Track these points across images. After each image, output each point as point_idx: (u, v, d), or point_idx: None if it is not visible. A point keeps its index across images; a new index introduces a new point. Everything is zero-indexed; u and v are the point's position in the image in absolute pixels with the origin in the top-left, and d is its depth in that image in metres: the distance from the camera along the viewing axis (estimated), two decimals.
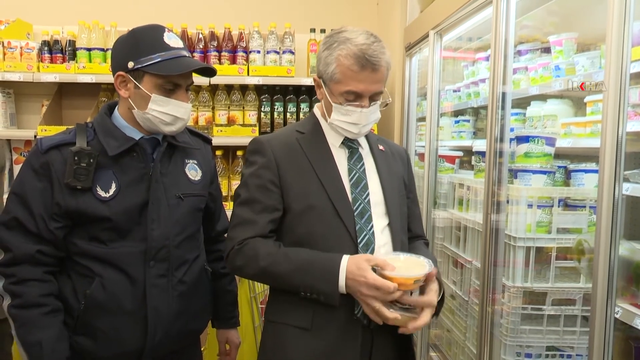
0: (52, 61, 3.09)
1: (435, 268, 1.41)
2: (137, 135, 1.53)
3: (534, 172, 1.87)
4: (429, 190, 2.62)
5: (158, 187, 1.52)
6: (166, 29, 1.50)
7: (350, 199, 1.47)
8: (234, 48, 3.16)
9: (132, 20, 3.21)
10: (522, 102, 2.25)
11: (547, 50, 2.15)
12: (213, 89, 3.23)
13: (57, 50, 3.11)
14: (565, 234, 1.83)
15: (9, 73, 3.02)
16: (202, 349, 1.91)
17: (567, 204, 1.89)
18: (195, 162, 1.65)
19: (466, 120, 2.79)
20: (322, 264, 1.36)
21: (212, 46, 3.14)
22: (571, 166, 1.94)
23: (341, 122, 1.47)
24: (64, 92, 3.39)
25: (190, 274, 1.59)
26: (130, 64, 1.46)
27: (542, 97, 2.15)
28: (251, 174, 1.48)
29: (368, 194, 1.49)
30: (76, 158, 1.43)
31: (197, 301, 1.62)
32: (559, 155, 2.00)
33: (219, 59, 3.14)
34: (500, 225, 1.85)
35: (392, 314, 1.31)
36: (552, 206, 1.82)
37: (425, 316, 1.36)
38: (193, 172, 1.63)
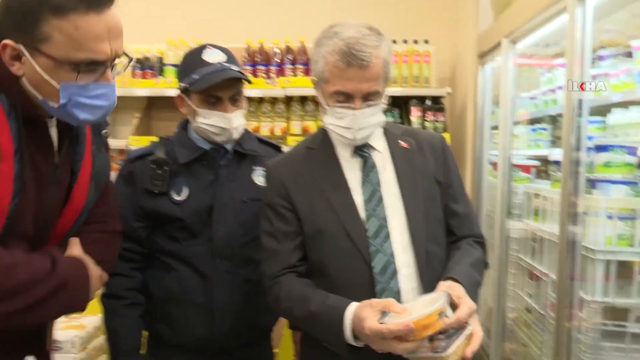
0: (143, 77, 3.36)
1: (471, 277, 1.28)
2: (207, 145, 1.67)
3: (614, 182, 1.79)
4: (503, 200, 2.57)
5: (224, 191, 1.64)
6: (207, 47, 1.62)
7: (363, 217, 1.33)
8: (308, 60, 3.28)
9: (214, 37, 3.42)
10: (603, 110, 2.17)
11: (630, 55, 2.06)
12: (288, 100, 3.36)
13: (148, 66, 3.38)
14: None
15: None
16: (274, 350, 1.99)
17: None
18: (263, 169, 1.74)
19: (543, 129, 2.71)
20: (328, 317, 1.23)
21: (287, 59, 3.28)
22: None
23: (335, 126, 1.34)
24: (153, 105, 3.65)
25: (256, 273, 1.66)
26: (181, 85, 1.63)
27: (624, 104, 2.06)
28: (266, 204, 1.43)
29: (384, 208, 1.34)
30: (153, 166, 1.61)
31: (262, 299, 1.69)
32: None
33: (294, 72, 3.27)
34: (577, 237, 1.79)
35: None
36: (635, 218, 1.74)
37: (476, 325, 1.21)
38: (260, 178, 1.71)
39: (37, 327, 1.21)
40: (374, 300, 1.20)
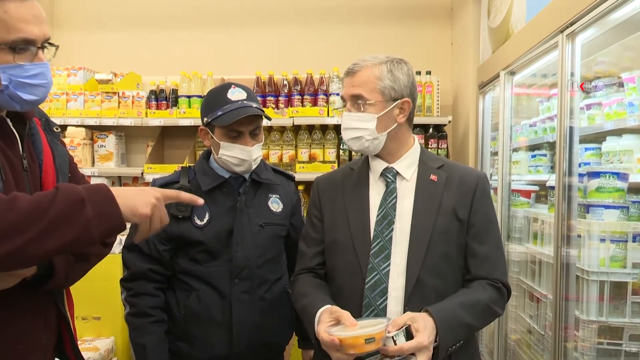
0: (157, 108, 3.51)
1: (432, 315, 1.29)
2: (226, 174, 1.80)
3: (606, 207, 1.88)
4: (502, 224, 2.65)
5: (242, 216, 1.77)
6: (232, 86, 1.76)
7: (371, 236, 1.43)
8: (315, 91, 3.42)
9: (226, 69, 3.62)
10: (599, 137, 2.26)
11: (622, 85, 2.16)
12: (296, 129, 3.50)
13: (162, 98, 3.54)
14: None
15: (123, 119, 3.49)
16: None
17: None
18: (278, 196, 1.88)
19: (543, 155, 2.80)
20: (309, 311, 1.40)
21: (295, 90, 3.42)
22: None
23: (344, 136, 1.50)
24: (166, 134, 3.80)
25: (271, 292, 1.80)
26: (205, 120, 1.77)
27: (618, 132, 2.15)
28: (307, 212, 1.65)
29: (391, 231, 1.42)
30: None
31: (277, 318, 1.81)
32: (636, 190, 1.99)
33: (302, 102, 3.41)
34: (571, 259, 1.88)
35: None
36: (627, 241, 1.82)
37: (422, 358, 1.24)
38: (275, 205, 1.85)
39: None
40: (333, 308, 1.35)
